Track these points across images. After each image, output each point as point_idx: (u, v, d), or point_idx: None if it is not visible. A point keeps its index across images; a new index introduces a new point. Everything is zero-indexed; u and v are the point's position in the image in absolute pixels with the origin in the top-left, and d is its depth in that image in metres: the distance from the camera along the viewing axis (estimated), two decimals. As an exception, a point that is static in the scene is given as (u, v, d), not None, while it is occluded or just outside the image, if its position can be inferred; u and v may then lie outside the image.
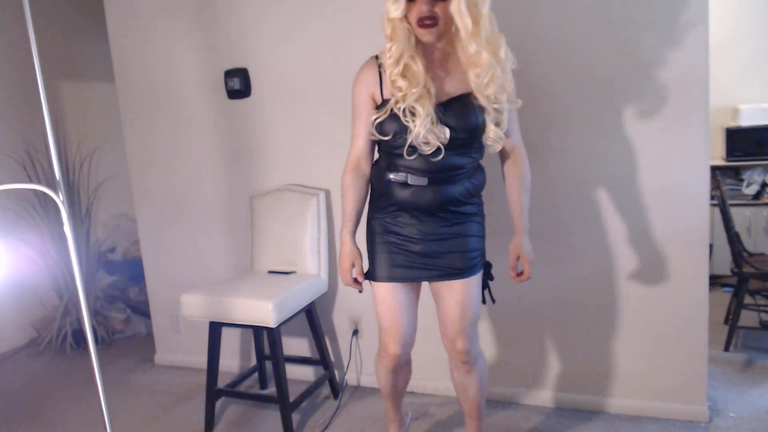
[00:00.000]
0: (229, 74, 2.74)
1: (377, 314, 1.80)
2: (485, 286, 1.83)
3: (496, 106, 1.63)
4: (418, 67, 1.58)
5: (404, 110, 1.58)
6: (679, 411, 2.26)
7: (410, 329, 1.78)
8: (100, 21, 3.05)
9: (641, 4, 2.09)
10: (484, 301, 1.84)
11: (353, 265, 1.74)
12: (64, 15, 4.03)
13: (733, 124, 3.93)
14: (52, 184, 2.53)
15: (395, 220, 1.72)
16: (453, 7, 1.50)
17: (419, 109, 1.56)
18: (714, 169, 3.42)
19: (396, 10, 1.54)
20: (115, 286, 3.99)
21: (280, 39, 2.64)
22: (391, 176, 1.68)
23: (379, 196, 1.76)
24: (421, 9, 1.52)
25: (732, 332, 2.85)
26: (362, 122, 1.71)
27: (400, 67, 1.57)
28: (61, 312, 3.55)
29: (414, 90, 1.56)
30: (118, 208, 4.22)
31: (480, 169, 1.77)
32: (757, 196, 3.87)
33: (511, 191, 1.78)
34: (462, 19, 1.50)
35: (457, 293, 1.73)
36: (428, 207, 1.68)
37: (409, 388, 2.63)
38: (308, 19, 2.56)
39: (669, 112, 2.12)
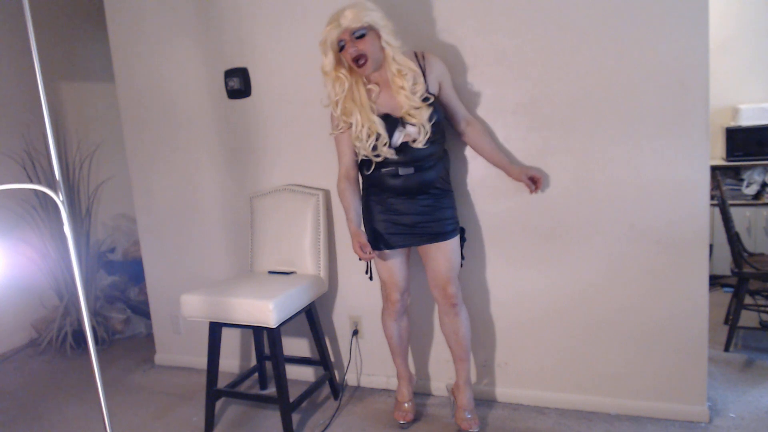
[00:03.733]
0: (229, 74, 2.74)
1: (380, 274, 2.28)
2: (461, 245, 2.29)
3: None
4: (355, 103, 2.05)
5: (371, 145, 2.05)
6: (679, 411, 2.26)
7: (405, 281, 2.29)
8: (100, 21, 3.05)
9: (641, 4, 2.09)
10: (463, 257, 2.29)
11: (363, 244, 2.11)
12: (64, 15, 4.03)
13: (733, 124, 3.93)
14: (52, 184, 2.53)
15: (388, 202, 2.15)
16: (381, 41, 1.97)
17: (362, 137, 2.05)
18: (714, 169, 3.42)
19: (328, 65, 2.02)
20: (115, 286, 3.99)
21: (280, 39, 2.64)
22: (384, 170, 2.11)
23: (374, 186, 2.17)
24: (349, 52, 1.97)
25: (732, 332, 2.85)
26: (345, 145, 2.17)
27: (340, 109, 2.07)
28: (61, 312, 3.55)
29: (359, 127, 2.04)
30: (118, 208, 4.22)
31: (446, 153, 2.24)
32: (757, 196, 3.87)
33: (488, 150, 2.26)
34: (389, 48, 1.99)
35: (444, 251, 2.20)
36: (415, 189, 2.12)
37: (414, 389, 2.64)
38: (308, 19, 2.56)
39: (669, 112, 2.12)
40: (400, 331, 2.37)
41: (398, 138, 2.05)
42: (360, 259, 2.18)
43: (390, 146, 2.05)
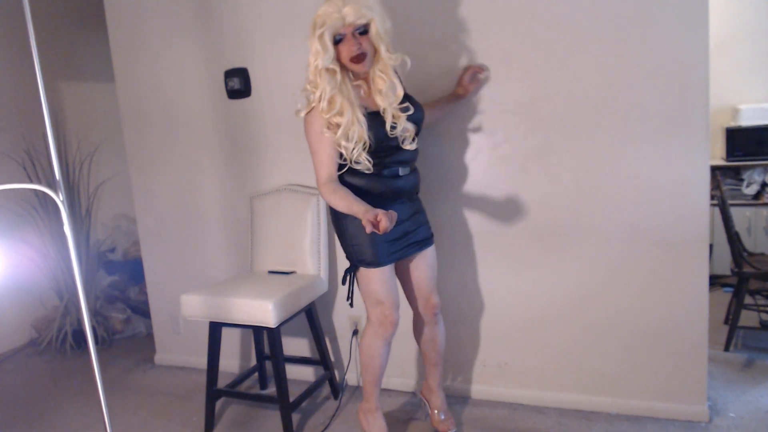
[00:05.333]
0: (229, 74, 2.74)
1: (374, 293, 2.03)
2: None
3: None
4: (346, 100, 1.86)
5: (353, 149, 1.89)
6: (679, 411, 2.26)
7: (398, 299, 2.10)
8: (100, 22, 3.05)
9: (641, 4, 2.09)
10: None
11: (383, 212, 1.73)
12: (64, 16, 4.03)
13: (733, 124, 3.93)
14: (52, 184, 2.53)
15: (384, 210, 1.86)
16: (376, 40, 1.86)
17: (352, 138, 1.86)
18: (714, 169, 3.42)
19: (327, 60, 1.83)
20: (115, 286, 3.99)
21: (280, 39, 2.64)
22: (386, 171, 1.97)
23: (370, 194, 1.95)
24: (351, 49, 1.83)
25: (732, 332, 2.85)
26: (328, 151, 1.91)
27: (334, 107, 1.86)
28: (61, 312, 3.55)
29: (348, 126, 1.85)
30: (118, 208, 4.22)
31: None
32: (757, 196, 3.87)
33: (432, 106, 2.24)
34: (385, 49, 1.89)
35: (428, 258, 2.15)
36: (410, 191, 2.06)
37: (409, 389, 2.64)
38: (308, 19, 2.55)
39: (669, 112, 2.12)
40: (388, 357, 2.15)
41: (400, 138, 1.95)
42: (379, 231, 1.68)
43: (391, 145, 1.94)
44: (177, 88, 2.91)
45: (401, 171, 2.00)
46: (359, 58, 1.86)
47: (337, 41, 1.85)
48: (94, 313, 3.64)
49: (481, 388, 2.56)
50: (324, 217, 2.61)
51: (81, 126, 4.08)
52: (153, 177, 3.06)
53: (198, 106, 2.88)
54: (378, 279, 2.01)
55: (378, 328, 2.07)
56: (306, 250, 2.59)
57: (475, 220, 2.44)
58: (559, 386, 2.44)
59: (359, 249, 2.00)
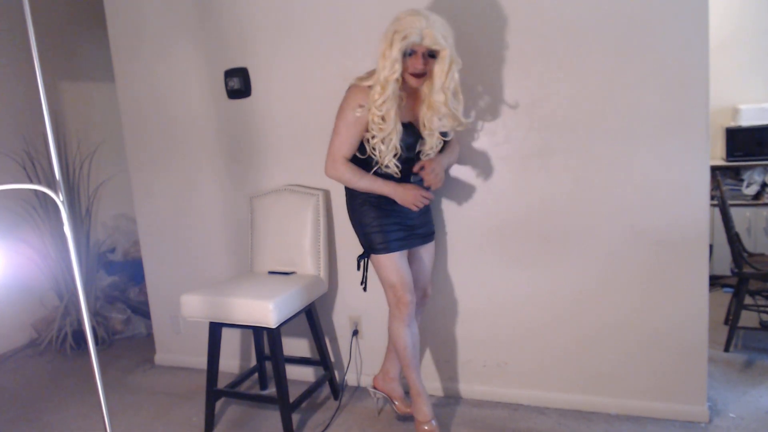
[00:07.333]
0: (229, 74, 2.74)
1: (390, 278, 2.18)
2: None
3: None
4: (395, 110, 1.99)
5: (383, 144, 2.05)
6: (679, 411, 2.26)
7: (412, 282, 2.24)
8: (100, 22, 3.05)
9: (641, 3, 2.09)
10: None
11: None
12: (64, 16, 4.03)
13: (733, 124, 3.93)
14: (52, 184, 2.53)
15: (393, 204, 2.15)
16: (437, 67, 1.97)
17: (389, 145, 2.03)
18: (714, 169, 3.42)
19: (398, 71, 1.94)
20: (115, 286, 3.99)
21: (280, 38, 2.64)
22: (413, 179, 2.14)
23: (388, 197, 2.14)
24: (416, 66, 1.96)
25: (732, 332, 2.85)
26: (354, 134, 2.08)
27: (387, 117, 2.00)
28: (61, 312, 3.55)
29: (390, 134, 2.01)
30: (118, 208, 4.22)
31: None
32: (757, 196, 3.87)
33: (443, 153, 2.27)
34: (441, 77, 1.98)
35: (430, 252, 2.35)
36: None
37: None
38: (308, 19, 2.56)
39: (669, 112, 2.12)
40: (413, 338, 2.24)
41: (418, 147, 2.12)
42: (416, 206, 2.12)
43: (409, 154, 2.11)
44: (177, 88, 2.91)
45: (412, 178, 2.16)
46: (420, 75, 1.98)
47: (407, 54, 1.96)
48: (94, 314, 3.64)
49: (481, 388, 2.56)
50: (324, 217, 2.61)
51: (81, 126, 4.07)
52: (153, 177, 3.07)
53: (198, 106, 2.88)
54: (388, 264, 2.18)
55: (394, 310, 2.22)
56: (306, 250, 2.59)
57: (475, 221, 2.44)
58: (559, 386, 2.44)
59: (372, 237, 2.18)
